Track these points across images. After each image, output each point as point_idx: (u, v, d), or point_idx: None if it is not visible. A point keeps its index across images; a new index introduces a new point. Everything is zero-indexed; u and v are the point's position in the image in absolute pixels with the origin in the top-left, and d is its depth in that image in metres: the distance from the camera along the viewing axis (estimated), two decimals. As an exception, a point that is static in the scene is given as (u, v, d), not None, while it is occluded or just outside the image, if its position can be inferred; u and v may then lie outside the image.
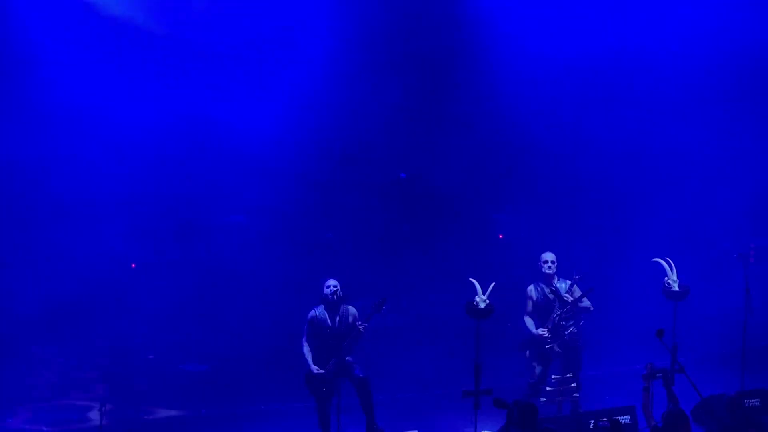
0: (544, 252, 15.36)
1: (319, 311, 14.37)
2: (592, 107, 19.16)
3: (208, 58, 18.08)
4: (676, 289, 15.09)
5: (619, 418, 13.72)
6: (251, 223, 18.92)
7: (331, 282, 14.43)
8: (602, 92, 19.59)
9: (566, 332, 15.04)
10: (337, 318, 14.32)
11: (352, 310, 14.50)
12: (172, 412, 15.72)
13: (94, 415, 11.81)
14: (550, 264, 15.21)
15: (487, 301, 14.70)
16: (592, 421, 12.08)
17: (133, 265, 18.03)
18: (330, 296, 14.31)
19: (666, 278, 15.14)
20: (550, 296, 15.14)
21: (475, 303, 14.70)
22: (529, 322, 15.20)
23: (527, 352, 15.20)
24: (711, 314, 18.17)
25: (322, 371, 14.18)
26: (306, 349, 14.31)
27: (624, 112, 19.63)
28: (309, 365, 14.24)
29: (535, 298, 15.22)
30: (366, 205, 19.26)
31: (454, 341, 17.21)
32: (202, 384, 16.84)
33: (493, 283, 14.86)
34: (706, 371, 15.54)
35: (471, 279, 14.97)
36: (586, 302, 15.13)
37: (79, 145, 17.40)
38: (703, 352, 17.26)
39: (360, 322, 14.27)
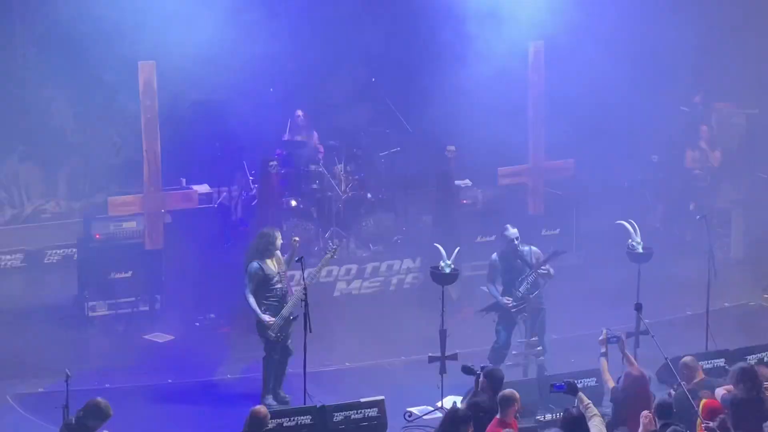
0: (506, 224, 15.21)
1: (262, 263, 14.58)
2: (550, 69, 19.00)
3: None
4: (640, 251, 15.12)
5: (585, 380, 13.84)
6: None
7: (279, 234, 14.74)
8: (555, 51, 19.40)
9: (531, 296, 15.04)
10: (276, 265, 14.61)
11: (284, 257, 14.82)
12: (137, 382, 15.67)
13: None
14: (517, 242, 15.03)
15: (452, 266, 14.72)
16: (551, 384, 12.19)
17: (98, 236, 17.90)
18: (280, 247, 14.63)
19: (630, 240, 15.16)
20: (517, 263, 15.09)
21: (440, 268, 14.72)
22: (492, 289, 15.17)
23: (494, 317, 15.18)
24: (675, 276, 18.23)
25: (273, 319, 14.47)
26: (252, 300, 14.51)
27: (585, 77, 19.57)
28: (258, 315, 14.48)
29: (500, 266, 15.16)
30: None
31: (420, 307, 17.20)
32: (167, 354, 16.79)
33: (458, 248, 14.88)
34: (670, 333, 15.66)
35: (436, 244, 14.98)
36: (550, 268, 15.11)
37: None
38: (667, 314, 17.32)
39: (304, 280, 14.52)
